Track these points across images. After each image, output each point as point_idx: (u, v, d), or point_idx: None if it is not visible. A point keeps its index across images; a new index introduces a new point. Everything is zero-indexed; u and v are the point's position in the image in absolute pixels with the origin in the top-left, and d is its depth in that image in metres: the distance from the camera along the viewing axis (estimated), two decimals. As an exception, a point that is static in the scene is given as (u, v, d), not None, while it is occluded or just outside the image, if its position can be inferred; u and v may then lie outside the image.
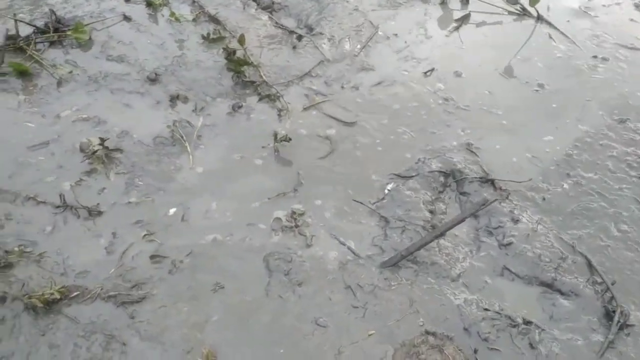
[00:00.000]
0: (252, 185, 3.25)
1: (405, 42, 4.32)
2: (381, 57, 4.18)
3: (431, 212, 3.18)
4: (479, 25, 4.58)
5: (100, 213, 3.03)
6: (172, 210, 3.10)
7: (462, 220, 2.86)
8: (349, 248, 2.98)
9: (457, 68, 4.12)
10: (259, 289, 2.79)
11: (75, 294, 2.70)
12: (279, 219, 3.09)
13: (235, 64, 3.84)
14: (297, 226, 3.06)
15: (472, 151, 3.52)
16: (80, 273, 2.79)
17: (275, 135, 3.40)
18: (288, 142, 3.37)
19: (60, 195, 3.03)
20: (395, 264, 2.89)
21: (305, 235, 3.02)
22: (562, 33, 4.52)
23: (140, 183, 3.20)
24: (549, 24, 4.60)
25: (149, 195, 3.15)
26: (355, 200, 3.18)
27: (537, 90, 4.01)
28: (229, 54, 3.88)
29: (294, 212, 3.11)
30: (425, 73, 4.05)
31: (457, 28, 4.52)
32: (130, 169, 3.26)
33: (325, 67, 4.05)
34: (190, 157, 3.35)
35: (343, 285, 2.82)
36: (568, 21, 4.65)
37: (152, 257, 2.87)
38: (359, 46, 4.22)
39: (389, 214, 3.15)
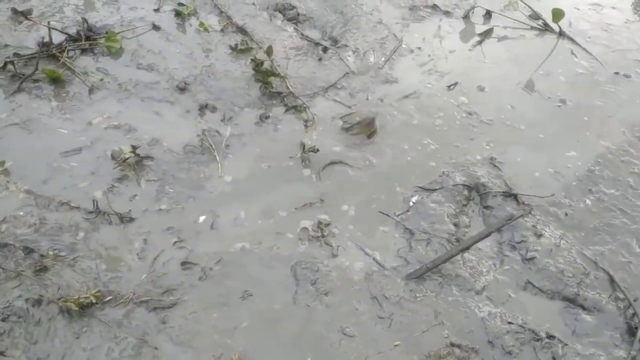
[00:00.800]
0: (279, 195, 3.31)
1: (429, 55, 4.38)
2: (405, 70, 4.24)
3: (455, 225, 3.24)
4: (501, 39, 4.64)
5: (132, 219, 3.10)
6: (201, 218, 3.17)
7: (488, 235, 2.92)
8: (374, 259, 3.04)
9: (480, 82, 4.17)
10: (286, 297, 2.86)
11: (109, 298, 2.77)
12: (305, 228, 3.15)
13: (263, 74, 3.92)
14: (323, 236, 3.12)
15: (495, 165, 3.58)
16: (113, 278, 2.86)
17: (303, 146, 3.47)
18: (315, 152, 3.44)
19: (93, 201, 3.11)
20: (421, 276, 2.94)
21: (332, 245, 3.08)
22: (583, 49, 4.57)
23: (170, 190, 3.28)
24: (571, 39, 4.65)
25: (179, 202, 3.22)
26: (381, 212, 3.24)
27: (559, 106, 4.06)
28: (257, 64, 3.95)
29: (320, 222, 3.17)
30: (449, 87, 4.10)
31: (479, 42, 4.57)
32: (160, 176, 3.33)
33: (350, 79, 4.12)
34: (219, 165, 3.42)
35: (369, 295, 2.88)
36: (589, 37, 4.70)
37: (183, 263, 2.94)
38: (383, 59, 4.29)
39: (413, 226, 3.20)
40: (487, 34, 4.64)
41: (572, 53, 4.54)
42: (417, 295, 2.89)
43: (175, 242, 3.04)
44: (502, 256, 3.12)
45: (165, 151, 3.47)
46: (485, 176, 3.50)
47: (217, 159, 3.45)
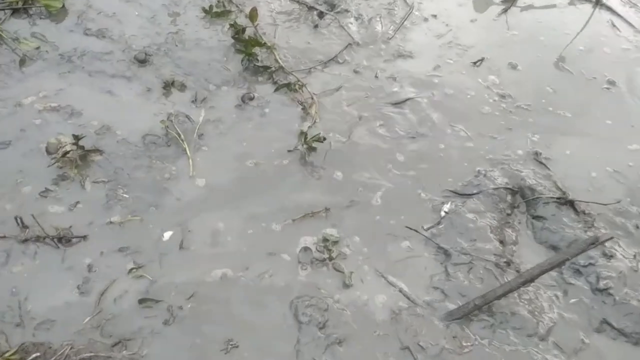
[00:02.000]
0: (271, 202, 2.52)
1: (447, 24, 3.58)
2: (420, 42, 3.44)
3: (501, 242, 2.48)
4: (528, 8, 3.86)
5: (70, 238, 2.26)
6: (167, 234, 2.36)
7: (562, 263, 2.16)
8: (401, 291, 2.28)
9: (511, 58, 3.40)
10: (285, 348, 2.08)
11: (35, 355, 1.95)
12: (307, 248, 2.36)
13: (245, 44, 3.08)
14: (331, 259, 2.34)
15: (541, 162, 2.83)
16: (43, 323, 2.05)
17: (305, 135, 2.66)
18: (322, 142, 2.65)
19: (16, 219, 2.26)
20: (465, 316, 2.18)
21: (343, 271, 2.31)
22: (626, 21, 3.82)
23: (125, 196, 2.45)
24: (610, 9, 3.89)
25: (136, 212, 2.40)
26: (407, 227, 2.46)
27: (607, 88, 3.31)
28: (237, 32, 3.12)
29: (326, 240, 2.39)
30: (475, 63, 3.33)
31: (505, 10, 3.78)
32: (112, 176, 2.50)
33: (354, 51, 3.30)
34: (190, 162, 2.61)
35: (398, 344, 2.12)
36: (631, 7, 3.95)
37: (142, 300, 2.14)
38: (392, 28, 3.48)
39: (449, 244, 2.44)
40: (512, 0, 3.86)
41: (613, 25, 3.79)
42: (464, 344, 2.13)
43: (132, 269, 2.23)
44: (565, 285, 2.38)
45: (118, 142, 2.64)
46: (531, 176, 2.74)
47: (188, 152, 2.63)
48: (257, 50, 3.12)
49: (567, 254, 2.10)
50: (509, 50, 3.48)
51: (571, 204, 2.64)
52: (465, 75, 3.24)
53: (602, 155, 2.92)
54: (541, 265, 2.12)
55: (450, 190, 2.65)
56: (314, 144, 2.64)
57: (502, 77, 3.28)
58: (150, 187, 2.51)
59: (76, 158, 2.51)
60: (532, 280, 2.14)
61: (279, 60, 3.11)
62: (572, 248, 2.13)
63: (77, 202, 2.39)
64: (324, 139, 2.63)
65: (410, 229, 2.45)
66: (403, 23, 3.51)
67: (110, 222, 2.35)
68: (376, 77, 3.16)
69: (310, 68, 3.15)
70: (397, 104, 3.01)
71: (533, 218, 2.62)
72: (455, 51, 3.41)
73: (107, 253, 2.26)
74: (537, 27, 3.72)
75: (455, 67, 3.29)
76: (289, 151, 2.68)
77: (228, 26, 3.21)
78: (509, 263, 2.39)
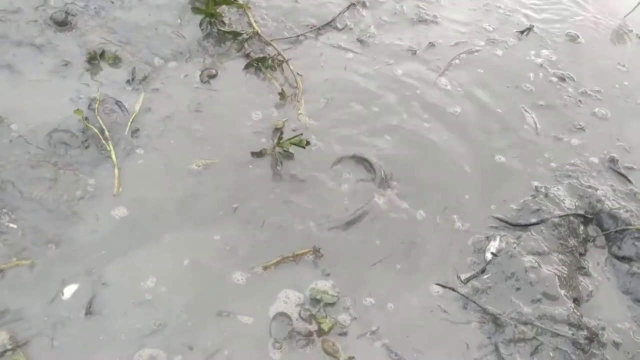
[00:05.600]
0: (231, 236, 1.67)
1: (481, -19, 2.71)
2: (448, 2, 2.57)
3: (576, 301, 1.65)
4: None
5: None
6: (69, 290, 1.54)
7: None
8: (429, 387, 1.44)
9: (568, 27, 2.56)
10: None
11: None
12: (283, 314, 1.53)
13: (207, 1, 2.20)
14: (322, 332, 1.50)
15: (621, 174, 1.98)
16: None
17: (280, 132, 1.81)
18: (304, 147, 1.80)
19: None
20: None
21: (337, 354, 1.47)
22: None
23: (11, 226, 1.62)
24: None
25: (26, 253, 1.57)
26: (438, 284, 1.61)
27: (697, 68, 2.46)
28: (198, -17, 2.25)
29: (317, 300, 1.55)
30: (522, 32, 2.46)
31: (554, -38, 2.90)
32: (-7, 194, 1.66)
33: (359, 13, 2.44)
34: (116, 172, 1.76)
35: None
36: None
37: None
38: (409, -17, 2.61)
39: (499, 306, 1.61)
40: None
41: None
42: None
43: (4, 351, 1.38)
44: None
45: (12, 142, 1.80)
46: (610, 196, 1.91)
47: (113, 158, 1.78)
48: (224, 10, 2.25)
49: None
50: (564, 17, 2.62)
51: (672, 239, 1.81)
52: (509, 50, 2.38)
53: None
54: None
55: (498, 219, 1.81)
56: (292, 149, 1.79)
57: (559, 52, 2.43)
58: (53, 211, 1.67)
59: (-59, 165, 1.66)
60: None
61: (254, 25, 2.24)
62: None
63: None
64: (307, 143, 1.78)
65: (442, 286, 1.60)
66: (424, -23, 2.64)
67: (-19, 270, 1.51)
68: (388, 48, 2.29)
69: (298, 36, 2.28)
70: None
71: (617, 259, 1.79)
72: (494, 16, 2.56)
73: (-31, 322, 1.43)
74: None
75: (495, 38, 2.43)
76: (252, 153, 1.82)
77: (185, -24, 2.33)
78: (591, 339, 1.55)
